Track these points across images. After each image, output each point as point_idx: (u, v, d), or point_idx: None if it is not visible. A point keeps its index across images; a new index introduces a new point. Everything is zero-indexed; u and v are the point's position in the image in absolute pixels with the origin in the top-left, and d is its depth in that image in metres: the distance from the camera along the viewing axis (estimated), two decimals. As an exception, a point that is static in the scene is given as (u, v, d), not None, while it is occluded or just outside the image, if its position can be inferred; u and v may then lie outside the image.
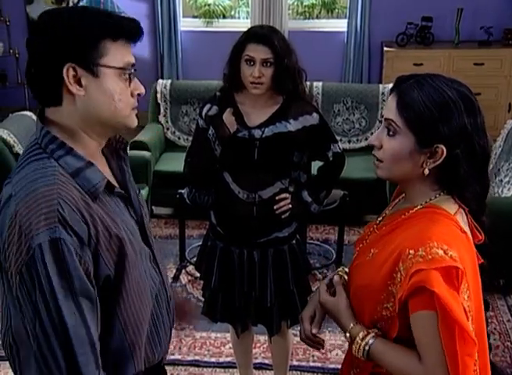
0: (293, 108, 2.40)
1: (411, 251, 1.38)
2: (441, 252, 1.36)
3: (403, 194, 1.63)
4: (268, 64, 2.29)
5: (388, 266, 1.43)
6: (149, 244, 1.53)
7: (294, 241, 2.54)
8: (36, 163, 1.32)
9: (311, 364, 3.18)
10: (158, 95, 4.94)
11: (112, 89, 1.34)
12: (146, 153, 4.46)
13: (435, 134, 1.41)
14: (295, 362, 3.13)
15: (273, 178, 2.41)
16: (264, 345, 3.25)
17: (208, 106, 2.45)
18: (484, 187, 1.50)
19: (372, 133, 4.71)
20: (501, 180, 3.75)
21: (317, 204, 2.52)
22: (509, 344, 3.27)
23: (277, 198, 2.42)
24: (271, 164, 2.39)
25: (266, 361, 3.16)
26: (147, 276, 1.46)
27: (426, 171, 1.45)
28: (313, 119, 2.41)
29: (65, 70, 1.30)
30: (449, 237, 1.42)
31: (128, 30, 1.35)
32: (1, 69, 6.26)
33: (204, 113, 2.45)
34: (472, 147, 1.43)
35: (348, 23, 6.00)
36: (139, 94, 1.40)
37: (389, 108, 1.46)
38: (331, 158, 2.49)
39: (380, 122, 4.76)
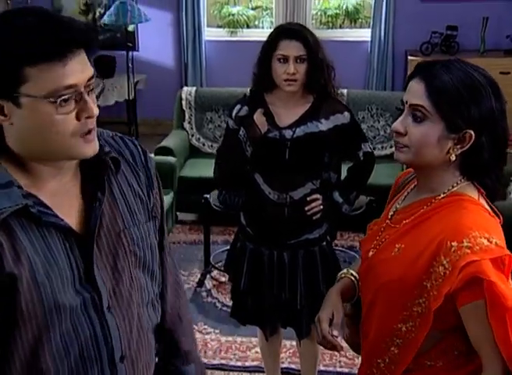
0: (324, 108, 2.37)
1: (453, 243, 1.35)
2: (486, 241, 1.34)
3: (412, 186, 1.59)
4: (302, 60, 2.27)
5: (424, 261, 1.39)
6: (96, 288, 1.22)
7: (325, 243, 2.51)
8: None
9: (338, 369, 3.14)
10: (183, 102, 4.94)
11: (38, 120, 1.11)
12: (171, 158, 4.44)
13: (466, 119, 1.38)
14: (322, 367, 3.08)
15: (304, 179, 2.39)
16: (291, 350, 3.21)
17: (238, 107, 2.44)
18: (501, 170, 1.48)
19: (397, 141, 4.72)
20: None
21: (348, 205, 2.49)
22: None
23: (308, 198, 2.39)
24: (302, 164, 2.36)
25: (293, 366, 3.12)
26: (74, 329, 1.20)
27: (453, 157, 1.42)
28: (344, 118, 2.38)
29: None
30: (486, 224, 1.39)
31: (51, 50, 1.08)
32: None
33: (234, 114, 2.43)
34: (496, 132, 1.41)
35: (372, 32, 5.96)
36: (89, 117, 1.14)
37: (416, 94, 1.41)
38: (362, 158, 2.46)
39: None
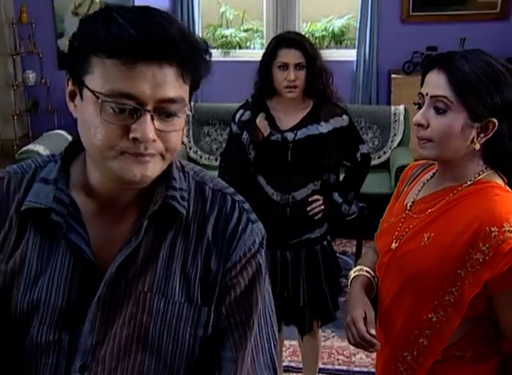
0: (324, 111, 2.35)
1: (493, 228, 1.27)
2: None
3: (427, 177, 1.53)
4: (301, 67, 2.26)
5: (458, 248, 1.32)
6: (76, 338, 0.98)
7: (325, 242, 2.47)
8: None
9: (337, 367, 3.08)
10: None
11: (87, 119, 0.94)
12: None
13: (489, 107, 1.33)
14: (321, 365, 3.01)
15: (306, 180, 2.36)
16: (290, 349, 3.15)
17: (240, 112, 2.41)
18: None
19: (385, 152, 4.71)
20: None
21: (347, 204, 2.46)
22: None
23: (310, 199, 2.36)
24: (304, 166, 2.34)
25: (293, 364, 3.06)
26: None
27: (477, 146, 1.36)
28: (343, 120, 2.37)
29: (65, 82, 0.99)
30: None
31: (116, 46, 0.89)
32: (34, 97, 6.26)
33: (237, 119, 2.41)
34: None
35: (357, 52, 5.98)
36: (137, 139, 0.91)
37: (436, 85, 1.36)
38: (359, 159, 2.44)
39: (392, 141, 4.71)
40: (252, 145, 2.32)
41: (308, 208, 2.36)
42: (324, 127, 2.33)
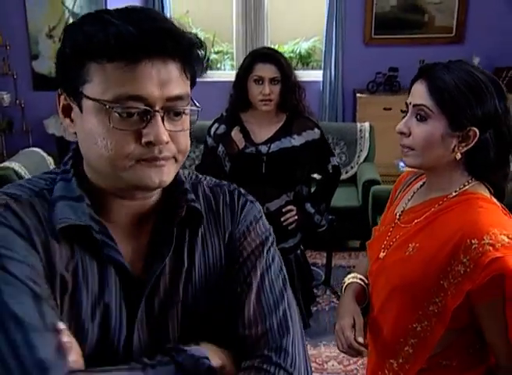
0: (296, 125, 2.35)
1: (474, 241, 1.24)
2: (506, 238, 1.24)
3: (417, 185, 1.51)
4: (276, 82, 2.25)
5: (441, 259, 1.29)
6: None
7: (299, 251, 2.46)
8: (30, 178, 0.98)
9: (310, 374, 3.05)
10: None
11: (94, 130, 0.85)
12: None
13: (469, 116, 1.31)
14: (295, 373, 2.99)
15: (279, 191, 2.35)
16: (265, 358, 3.11)
17: (215, 125, 2.40)
18: (507, 170, 1.39)
19: (352, 167, 4.74)
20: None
21: (319, 215, 2.46)
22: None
23: (284, 210, 2.35)
24: (277, 177, 2.33)
25: (267, 373, 3.01)
26: None
27: (458, 155, 1.34)
28: (315, 134, 2.37)
29: (56, 97, 0.92)
30: (503, 222, 1.30)
31: (116, 48, 0.82)
32: (9, 117, 6.16)
33: (212, 132, 2.39)
34: (501, 130, 1.33)
35: (323, 73, 6.04)
36: (151, 143, 0.85)
37: (418, 95, 1.35)
38: (331, 171, 2.44)
39: (359, 156, 4.75)
40: (228, 158, 2.30)
41: (282, 219, 2.35)
42: (296, 140, 2.33)
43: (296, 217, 2.37)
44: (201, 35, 6.90)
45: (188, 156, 4.23)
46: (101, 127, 0.85)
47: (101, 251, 0.91)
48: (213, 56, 6.78)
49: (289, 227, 2.38)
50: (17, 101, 6.00)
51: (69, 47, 0.86)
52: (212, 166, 2.35)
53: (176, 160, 0.91)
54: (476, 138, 1.32)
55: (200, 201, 1.02)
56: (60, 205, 0.90)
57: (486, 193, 1.37)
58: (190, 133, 0.93)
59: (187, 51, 0.87)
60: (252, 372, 0.94)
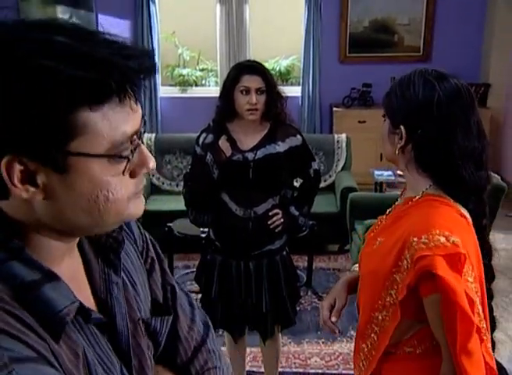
0: (280, 132, 2.35)
1: (415, 239, 1.24)
2: (443, 239, 1.22)
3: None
4: (261, 92, 2.26)
5: (394, 254, 1.29)
6: None
7: (285, 253, 2.45)
8: None
9: (294, 370, 3.03)
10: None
11: (93, 186, 0.69)
12: None
13: (397, 115, 1.31)
14: (280, 369, 2.97)
15: (266, 195, 2.34)
16: (251, 355, 3.09)
17: (203, 135, 2.39)
18: (478, 187, 1.32)
19: (330, 176, 4.77)
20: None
21: (303, 217, 2.46)
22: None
23: (270, 213, 2.34)
24: (264, 182, 2.32)
25: (254, 369, 3.00)
26: None
27: (396, 151, 1.33)
28: (297, 140, 2.38)
29: (2, 167, 0.64)
30: (451, 224, 1.27)
31: (129, 82, 0.68)
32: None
33: (200, 142, 2.38)
34: (430, 128, 1.27)
35: (302, 89, 6.08)
36: (147, 172, 0.75)
37: None
38: (312, 175, 2.45)
39: (336, 166, 4.78)
40: (216, 165, 2.29)
41: (269, 222, 2.34)
42: (281, 147, 2.33)
43: (282, 220, 2.36)
44: (187, 54, 6.94)
45: (176, 167, 4.17)
46: (101, 182, 0.69)
47: (88, 320, 0.75)
48: (198, 73, 6.78)
49: (276, 230, 2.36)
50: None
51: (42, 95, 0.62)
52: (201, 174, 2.33)
53: None
54: (404, 136, 1.30)
55: None
56: (43, 294, 0.68)
57: (446, 195, 1.33)
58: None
59: (153, 68, 0.74)
60: (211, 372, 0.96)
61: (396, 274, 1.29)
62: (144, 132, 0.79)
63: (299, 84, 6.19)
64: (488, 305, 1.35)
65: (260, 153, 2.30)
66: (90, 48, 0.65)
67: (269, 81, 2.28)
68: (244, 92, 2.25)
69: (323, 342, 3.26)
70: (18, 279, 0.67)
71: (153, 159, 0.74)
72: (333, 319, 1.52)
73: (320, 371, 3.02)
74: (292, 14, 6.43)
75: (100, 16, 5.90)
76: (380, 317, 1.36)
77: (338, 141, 4.77)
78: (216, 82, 6.54)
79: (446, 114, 1.26)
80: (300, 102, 6.09)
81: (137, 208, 0.75)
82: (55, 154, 0.65)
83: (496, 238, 4.26)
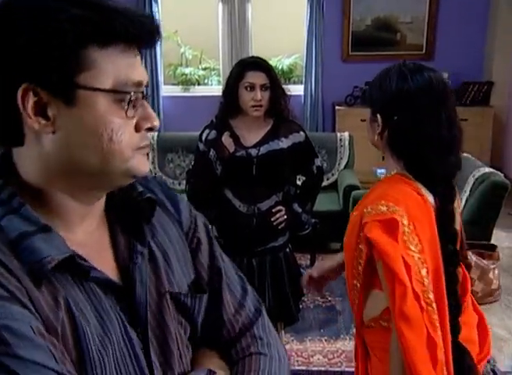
0: (283, 128, 2.34)
1: (365, 210, 1.34)
2: (384, 208, 1.31)
3: None
4: (266, 88, 2.24)
5: (358, 225, 1.37)
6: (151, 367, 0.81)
7: (288, 250, 2.43)
8: None
9: (297, 368, 3.01)
10: None
11: (98, 123, 0.73)
12: None
13: (374, 104, 1.42)
14: (283, 367, 2.95)
15: (269, 192, 2.32)
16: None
17: (206, 131, 2.37)
18: (445, 173, 1.40)
19: (333, 174, 4.74)
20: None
21: (306, 214, 2.45)
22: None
23: (273, 210, 2.33)
24: (267, 178, 2.30)
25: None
26: None
27: (376, 137, 1.43)
28: (300, 136, 2.36)
29: (19, 95, 0.71)
30: (401, 197, 1.34)
31: (131, 30, 0.73)
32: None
33: (203, 138, 2.36)
34: (405, 120, 1.36)
35: (304, 88, 6.06)
36: (150, 129, 0.78)
37: None
38: (315, 172, 2.43)
39: (339, 164, 4.75)
40: (219, 161, 2.27)
41: (272, 219, 2.32)
42: (284, 143, 2.31)
43: (285, 217, 2.34)
44: (189, 53, 6.92)
45: (178, 165, 4.13)
46: (104, 118, 0.73)
47: (85, 276, 0.77)
48: (200, 72, 6.76)
49: (279, 227, 2.35)
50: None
51: (56, 29, 0.69)
52: (204, 170, 2.31)
53: None
54: (381, 124, 1.39)
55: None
56: (31, 244, 0.72)
57: (411, 179, 1.40)
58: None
59: (156, 39, 0.80)
60: (253, 357, 0.91)
61: (360, 244, 1.37)
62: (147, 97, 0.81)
63: (301, 83, 6.16)
64: (452, 289, 1.38)
65: (263, 149, 2.29)
66: (99, 1, 0.73)
67: (273, 78, 2.27)
68: (249, 88, 2.23)
69: (326, 340, 3.24)
70: (15, 231, 0.73)
71: (157, 119, 0.79)
72: (314, 274, 1.65)
73: (323, 369, 3.00)
74: (294, 13, 6.40)
75: (103, 15, 5.88)
76: (358, 285, 1.42)
77: (341, 140, 4.74)
78: (219, 81, 6.51)
79: (417, 104, 1.34)
80: (302, 101, 6.06)
81: (142, 163, 0.78)
82: (65, 85, 0.71)
83: (499, 236, 4.25)
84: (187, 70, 6.63)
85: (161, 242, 0.89)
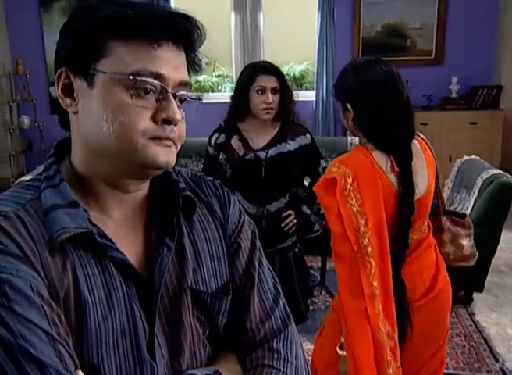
0: (290, 131, 2.38)
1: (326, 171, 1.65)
2: (335, 169, 1.57)
3: None
4: (276, 92, 2.27)
5: None
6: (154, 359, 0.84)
7: (297, 250, 2.47)
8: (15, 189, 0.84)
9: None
10: None
11: (109, 104, 0.79)
12: None
13: (340, 96, 1.71)
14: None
15: (278, 193, 2.36)
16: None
17: (216, 135, 2.41)
18: (400, 139, 1.65)
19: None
20: (455, 209, 3.75)
21: (315, 215, 2.47)
22: (473, 343, 3.18)
23: (283, 215, 2.36)
24: (276, 180, 2.34)
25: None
26: None
27: (350, 122, 1.69)
28: (307, 139, 2.40)
29: (56, 77, 0.83)
30: (352, 161, 1.60)
31: (151, 26, 0.78)
32: (29, 139, 6.22)
33: (213, 142, 2.40)
34: (360, 100, 1.63)
35: (316, 93, 6.10)
36: (167, 121, 0.81)
37: None
38: (321, 173, 2.47)
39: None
40: (229, 164, 2.31)
41: (283, 225, 2.36)
42: (291, 145, 2.36)
43: (295, 220, 2.38)
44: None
45: (192, 170, 4.21)
46: (118, 101, 0.79)
47: (104, 255, 0.81)
48: (214, 80, 6.83)
49: (290, 231, 2.39)
50: (36, 124, 6.07)
51: (86, 23, 0.80)
52: (214, 173, 2.36)
53: (176, 147, 0.86)
54: (352, 111, 1.66)
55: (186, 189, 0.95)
56: (55, 215, 0.79)
57: (373, 147, 1.65)
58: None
59: (195, 48, 0.87)
60: (264, 370, 0.91)
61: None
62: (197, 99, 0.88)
63: (313, 89, 6.21)
64: (404, 232, 1.63)
65: (271, 152, 2.32)
66: (131, 1, 0.82)
67: (283, 81, 2.31)
68: (260, 92, 2.26)
69: (337, 339, 3.26)
70: (49, 203, 0.81)
71: (178, 113, 0.82)
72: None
73: (334, 367, 3.02)
74: (305, 20, 6.46)
75: (119, 25, 5.99)
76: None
77: (351, 143, 4.78)
78: (232, 88, 6.57)
79: (373, 90, 1.62)
80: (314, 106, 6.10)
81: (160, 154, 0.81)
82: (87, 69, 0.80)
83: (508, 238, 4.24)
84: (201, 77, 6.71)
85: (197, 240, 0.92)
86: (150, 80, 0.80)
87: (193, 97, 0.87)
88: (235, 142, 2.31)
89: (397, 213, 1.61)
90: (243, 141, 2.33)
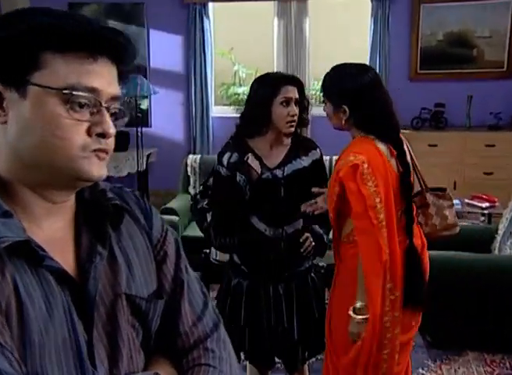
0: (301, 146, 2.40)
1: (340, 162, 2.06)
2: (352, 157, 2.00)
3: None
4: (297, 103, 2.30)
5: (334, 174, 2.08)
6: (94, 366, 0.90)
7: (313, 273, 2.47)
8: None
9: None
10: (189, 168, 4.97)
11: (43, 119, 0.85)
12: (174, 218, 4.48)
13: (335, 99, 2.09)
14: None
15: (296, 213, 2.35)
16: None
17: (228, 154, 2.33)
18: (393, 129, 2.11)
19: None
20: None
21: (326, 235, 2.45)
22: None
23: (301, 240, 2.35)
24: (295, 199, 2.33)
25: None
26: None
27: (343, 122, 2.10)
28: (317, 153, 2.44)
29: None
30: (362, 150, 2.03)
31: (86, 39, 0.86)
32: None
33: (225, 162, 2.30)
34: (360, 102, 2.04)
35: (367, 108, 5.88)
36: (102, 135, 0.89)
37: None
38: None
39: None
40: (249, 185, 2.28)
41: (302, 250, 2.35)
42: (305, 161, 2.38)
43: (313, 243, 2.36)
44: (244, 71, 6.92)
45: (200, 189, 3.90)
46: (52, 114, 0.86)
47: (39, 263, 0.88)
48: (254, 91, 6.71)
49: (309, 255, 2.38)
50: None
51: (18, 33, 0.85)
52: (231, 196, 2.31)
53: (107, 159, 0.94)
54: (348, 112, 2.07)
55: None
56: None
57: (371, 138, 2.08)
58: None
59: (128, 62, 0.95)
60: (202, 368, 1.02)
61: (335, 186, 2.06)
62: (123, 117, 0.96)
63: (363, 103, 5.99)
64: (409, 205, 2.10)
65: (287, 169, 2.33)
66: (64, 13, 0.90)
67: (303, 92, 2.34)
68: (285, 103, 2.26)
69: None
70: None
71: (111, 127, 0.90)
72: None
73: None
74: (357, 27, 6.43)
75: (151, 31, 6.03)
76: (331, 213, 2.15)
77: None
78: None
79: (370, 93, 2.07)
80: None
81: (94, 167, 0.89)
82: (19, 81, 0.86)
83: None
84: (240, 90, 6.64)
85: (126, 248, 1.01)
86: (85, 94, 0.87)
87: (121, 108, 0.95)
88: (252, 160, 2.29)
89: (401, 192, 2.07)
90: (258, 159, 2.32)
